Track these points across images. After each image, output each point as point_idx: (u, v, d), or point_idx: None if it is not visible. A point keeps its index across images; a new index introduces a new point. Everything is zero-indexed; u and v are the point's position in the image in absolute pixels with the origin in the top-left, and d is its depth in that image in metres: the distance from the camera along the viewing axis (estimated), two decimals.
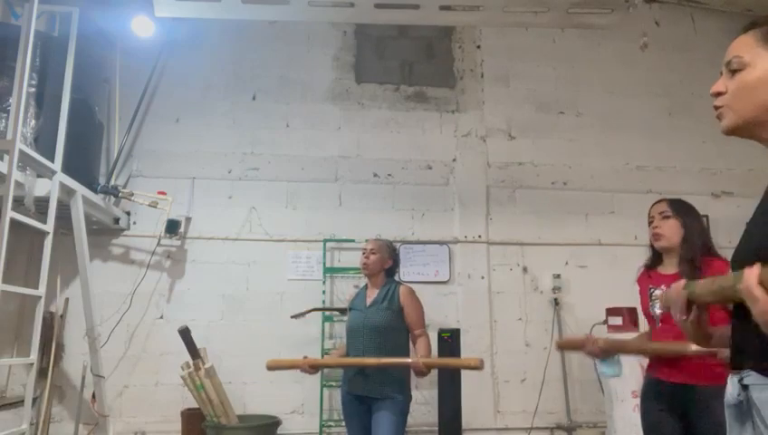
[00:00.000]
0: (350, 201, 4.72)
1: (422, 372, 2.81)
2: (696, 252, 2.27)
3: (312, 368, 3.01)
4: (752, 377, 1.14)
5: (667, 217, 2.35)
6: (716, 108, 1.21)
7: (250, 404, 4.26)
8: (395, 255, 3.24)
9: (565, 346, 3.13)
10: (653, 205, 2.46)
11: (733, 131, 1.20)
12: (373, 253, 3.13)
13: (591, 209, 4.93)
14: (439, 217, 4.78)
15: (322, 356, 4.32)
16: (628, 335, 3.69)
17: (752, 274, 0.99)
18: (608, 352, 2.38)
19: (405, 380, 3.01)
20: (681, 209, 2.37)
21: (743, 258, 1.21)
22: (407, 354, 3.06)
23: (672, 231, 2.33)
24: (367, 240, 3.26)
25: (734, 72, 1.18)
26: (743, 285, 1.00)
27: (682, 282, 1.29)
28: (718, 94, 1.20)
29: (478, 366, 2.74)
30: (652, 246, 2.46)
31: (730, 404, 1.20)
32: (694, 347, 1.94)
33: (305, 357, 3.05)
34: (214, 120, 4.73)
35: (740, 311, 1.21)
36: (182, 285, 4.45)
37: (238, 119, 4.76)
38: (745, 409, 1.14)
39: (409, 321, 3.03)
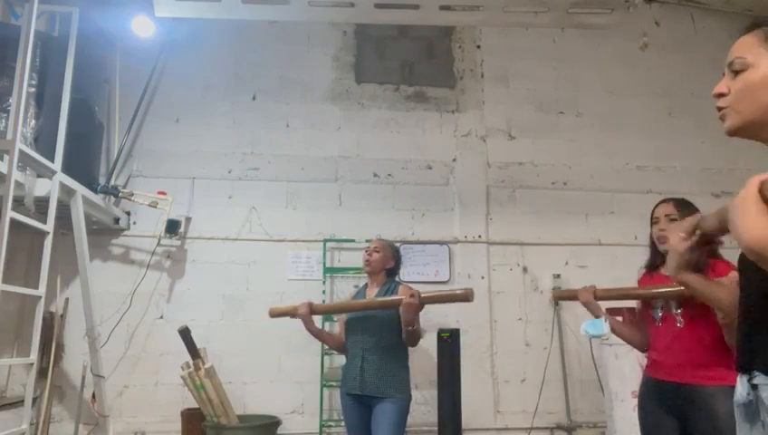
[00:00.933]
0: (350, 201, 4.72)
1: (414, 305, 2.82)
2: (702, 255, 2.26)
3: (312, 311, 3.09)
4: (761, 377, 1.14)
5: (674, 221, 2.34)
6: (719, 109, 1.21)
7: (250, 404, 4.26)
8: (397, 256, 3.27)
9: (560, 297, 3.17)
10: (658, 205, 2.43)
11: (736, 132, 1.20)
12: (377, 251, 3.16)
13: (591, 209, 4.93)
14: (439, 217, 4.78)
15: (322, 356, 4.33)
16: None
17: (753, 181, 1.00)
18: (601, 298, 2.43)
19: (405, 379, 3.02)
20: (687, 212, 2.35)
21: (747, 262, 1.21)
22: (405, 352, 3.08)
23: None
24: (369, 241, 3.28)
25: (736, 72, 1.18)
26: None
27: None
28: (720, 95, 1.20)
29: (468, 296, 2.80)
30: (652, 247, 2.45)
31: (739, 404, 1.20)
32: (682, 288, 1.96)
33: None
34: (214, 120, 4.73)
35: (747, 311, 1.21)
36: (182, 285, 4.45)
37: (238, 119, 4.76)
38: (755, 408, 1.14)
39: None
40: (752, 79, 1.15)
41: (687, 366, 2.17)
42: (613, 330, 2.51)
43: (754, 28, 1.20)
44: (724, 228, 1.26)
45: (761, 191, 0.98)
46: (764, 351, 1.13)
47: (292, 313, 3.14)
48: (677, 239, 1.35)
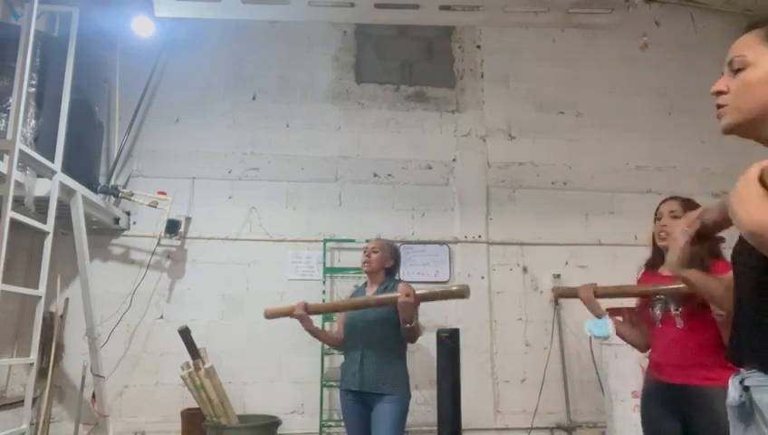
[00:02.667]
0: (350, 201, 4.72)
1: (410, 302, 2.82)
2: (705, 255, 2.26)
3: (308, 312, 3.08)
4: (753, 378, 1.14)
5: (677, 217, 2.34)
6: (718, 106, 1.21)
7: (250, 404, 4.26)
8: (396, 256, 3.27)
9: (561, 294, 3.17)
10: (663, 202, 2.43)
11: (732, 130, 1.19)
12: (374, 251, 3.17)
13: (591, 209, 4.93)
14: (439, 217, 4.78)
15: (322, 356, 4.33)
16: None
17: (754, 168, 1.00)
18: (601, 296, 2.43)
19: (404, 375, 3.03)
20: (691, 211, 2.35)
21: (739, 257, 1.22)
22: (404, 350, 3.09)
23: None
24: (368, 240, 3.28)
25: (736, 71, 1.18)
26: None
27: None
28: (719, 93, 1.20)
29: (464, 293, 2.82)
30: (653, 246, 2.46)
31: (732, 406, 1.20)
32: (683, 285, 1.95)
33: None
34: (214, 120, 4.73)
35: (739, 305, 1.21)
36: (182, 285, 4.45)
37: (238, 119, 4.76)
38: (748, 410, 1.14)
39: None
40: (751, 77, 1.15)
41: (688, 367, 2.17)
42: (620, 334, 2.52)
43: (755, 27, 1.20)
44: (725, 219, 1.26)
45: (761, 178, 0.98)
46: (754, 346, 1.13)
47: (288, 313, 3.14)
48: (679, 232, 1.35)
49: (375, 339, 2.98)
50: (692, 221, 1.33)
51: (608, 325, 2.39)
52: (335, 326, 3.48)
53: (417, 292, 2.87)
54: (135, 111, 4.56)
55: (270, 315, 3.26)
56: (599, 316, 2.46)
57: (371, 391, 2.92)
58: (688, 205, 2.37)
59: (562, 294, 3.11)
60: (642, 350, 2.52)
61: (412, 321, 2.88)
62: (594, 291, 2.51)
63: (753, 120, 1.16)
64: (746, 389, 1.15)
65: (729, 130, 1.20)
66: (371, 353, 2.96)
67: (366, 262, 3.17)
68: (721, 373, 2.03)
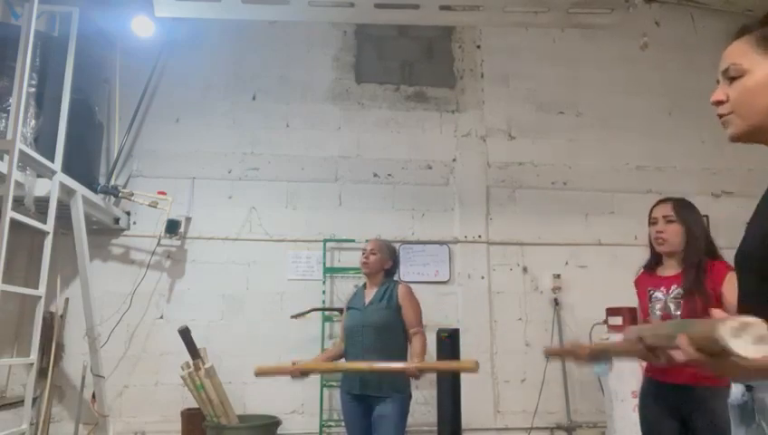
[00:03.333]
0: (350, 201, 4.72)
1: (415, 376, 2.79)
2: (701, 257, 2.25)
3: (303, 374, 2.99)
4: None
5: (671, 222, 2.32)
6: (721, 116, 1.20)
7: (250, 404, 4.26)
8: (395, 256, 3.26)
9: (553, 354, 3.11)
10: (656, 204, 2.41)
11: (740, 138, 1.19)
12: (373, 253, 3.15)
13: (591, 209, 4.93)
14: (439, 217, 4.77)
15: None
16: None
17: (682, 341, 0.99)
18: (595, 358, 2.38)
19: (405, 379, 3.02)
20: (685, 213, 2.33)
21: (740, 261, 1.22)
22: (405, 354, 3.07)
23: (675, 236, 2.31)
24: (367, 240, 3.28)
25: (732, 79, 1.17)
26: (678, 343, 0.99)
27: (635, 329, 1.30)
28: (719, 103, 1.20)
29: (474, 369, 2.71)
30: (651, 247, 2.45)
31: (734, 405, 1.20)
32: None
33: (294, 363, 2.98)
34: (214, 120, 4.72)
35: (742, 310, 1.21)
36: (182, 285, 4.45)
37: (238, 119, 4.76)
38: (750, 409, 1.14)
39: (407, 319, 3.03)
40: (750, 84, 1.15)
41: (686, 367, 2.17)
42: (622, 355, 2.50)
43: (744, 33, 1.19)
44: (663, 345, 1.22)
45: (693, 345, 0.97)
46: None
47: (282, 373, 3.03)
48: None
49: (375, 343, 2.97)
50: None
51: (609, 363, 2.38)
52: (338, 329, 3.45)
53: (424, 366, 2.85)
54: (135, 111, 4.56)
55: (261, 374, 3.08)
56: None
57: (373, 393, 2.92)
58: (682, 206, 2.36)
59: (554, 353, 3.06)
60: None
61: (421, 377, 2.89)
62: (586, 354, 2.43)
63: (759, 126, 1.16)
64: (749, 388, 1.15)
65: (736, 139, 1.19)
66: (372, 356, 2.95)
67: (365, 263, 3.16)
68: None
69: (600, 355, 2.35)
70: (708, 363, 0.95)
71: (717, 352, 0.90)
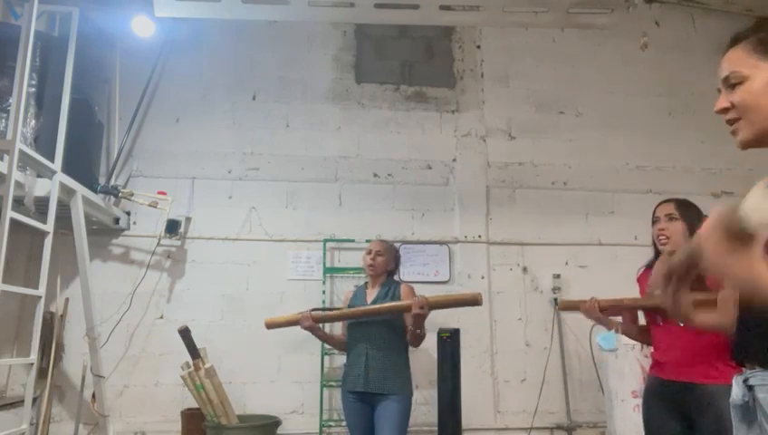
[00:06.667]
0: (350, 201, 4.72)
1: (422, 313, 2.86)
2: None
3: (315, 321, 3.06)
4: (757, 377, 1.14)
5: (674, 220, 2.35)
6: (730, 123, 1.21)
7: (250, 404, 4.26)
8: (397, 257, 3.31)
9: (567, 307, 3.18)
10: (660, 204, 2.45)
11: (750, 144, 1.19)
12: (380, 254, 3.18)
13: (591, 209, 4.93)
14: (439, 217, 4.78)
15: (322, 356, 4.33)
16: None
17: (706, 223, 0.99)
18: (606, 311, 2.43)
19: (408, 376, 3.04)
20: (687, 212, 2.36)
21: None
22: (406, 352, 3.09)
23: (677, 234, 2.33)
24: (369, 241, 3.28)
25: (733, 86, 1.18)
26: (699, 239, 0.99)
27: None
28: (724, 110, 1.20)
29: (477, 299, 2.88)
30: (654, 246, 2.46)
31: (736, 405, 1.21)
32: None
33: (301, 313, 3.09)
34: (214, 120, 4.73)
35: (747, 309, 1.21)
36: (182, 285, 4.45)
37: (238, 119, 4.76)
38: (751, 409, 1.15)
39: (407, 318, 3.05)
40: (753, 89, 1.15)
41: (690, 365, 2.17)
42: (626, 334, 2.52)
43: (739, 41, 1.20)
44: (694, 264, 1.22)
45: (722, 224, 0.96)
46: (758, 346, 1.14)
47: (291, 323, 3.12)
48: (660, 289, 1.30)
49: (379, 340, 2.99)
50: (664, 278, 1.28)
51: (615, 338, 2.40)
52: (339, 328, 3.46)
53: (429, 299, 2.88)
54: (135, 111, 4.56)
55: (271, 326, 3.21)
56: (608, 329, 2.46)
57: (376, 391, 2.93)
58: (684, 206, 2.38)
59: (568, 306, 3.12)
60: (650, 343, 2.52)
61: (421, 328, 2.93)
62: (597, 306, 2.50)
63: (767, 130, 1.16)
64: (750, 388, 1.15)
65: (747, 145, 1.20)
66: (376, 354, 2.97)
67: (371, 266, 3.17)
68: (723, 371, 2.04)
69: (611, 308, 2.40)
70: (729, 263, 0.94)
71: (740, 237, 0.91)
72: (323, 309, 3.60)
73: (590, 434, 4.49)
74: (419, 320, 2.90)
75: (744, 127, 1.18)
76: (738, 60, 1.18)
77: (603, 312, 2.48)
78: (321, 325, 3.18)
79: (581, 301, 2.60)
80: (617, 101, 5.13)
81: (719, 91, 1.22)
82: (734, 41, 1.21)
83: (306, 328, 3.08)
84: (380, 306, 2.99)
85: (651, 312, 2.42)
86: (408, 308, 2.89)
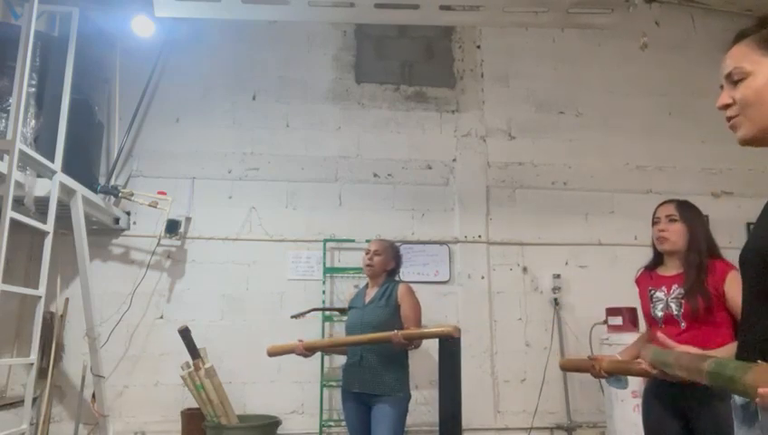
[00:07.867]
0: (350, 201, 4.72)
1: (401, 343, 2.85)
2: (703, 257, 2.27)
3: (308, 350, 3.09)
4: None
5: (674, 221, 2.35)
6: (729, 119, 1.20)
7: (250, 404, 4.26)
8: (398, 257, 3.28)
9: (568, 368, 3.13)
10: (660, 205, 2.45)
11: (750, 141, 1.19)
12: (377, 254, 3.16)
13: (591, 209, 4.93)
14: (439, 217, 4.78)
15: (322, 356, 4.32)
16: (628, 335, 3.70)
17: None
18: (611, 374, 2.37)
19: (404, 377, 3.03)
20: (688, 213, 2.36)
21: (747, 258, 1.22)
22: (404, 352, 3.09)
23: (677, 235, 2.33)
24: (369, 241, 3.28)
25: (736, 82, 1.18)
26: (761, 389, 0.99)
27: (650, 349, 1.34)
28: (726, 106, 1.20)
29: (452, 333, 2.89)
30: (654, 247, 2.46)
31: (737, 405, 1.21)
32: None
33: (300, 341, 3.15)
34: (214, 120, 4.73)
35: (746, 309, 1.21)
36: (182, 285, 4.45)
37: (238, 119, 4.76)
38: (753, 410, 1.15)
39: (404, 317, 3.04)
40: (755, 86, 1.15)
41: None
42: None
43: (743, 37, 1.20)
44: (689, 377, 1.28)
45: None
46: (759, 347, 1.14)
47: (290, 351, 3.15)
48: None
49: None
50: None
51: (626, 379, 2.36)
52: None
53: (405, 334, 2.87)
54: (135, 111, 4.56)
55: (272, 354, 3.22)
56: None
57: (371, 392, 2.93)
58: (685, 208, 2.38)
59: (569, 367, 3.08)
60: None
61: (409, 347, 2.97)
62: (600, 370, 2.39)
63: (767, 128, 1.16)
64: None
65: (746, 142, 1.19)
66: (371, 356, 2.97)
67: (368, 265, 3.17)
68: None
69: (616, 372, 2.34)
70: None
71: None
72: (322, 311, 3.64)
73: (590, 434, 4.49)
74: (400, 346, 2.89)
75: (745, 123, 1.17)
76: (742, 56, 1.18)
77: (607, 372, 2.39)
78: (324, 332, 3.21)
79: (581, 360, 2.53)
80: (617, 101, 5.13)
81: (721, 87, 1.22)
82: (739, 37, 1.21)
83: (301, 355, 3.11)
84: (363, 337, 2.97)
85: (649, 310, 2.42)
86: (388, 339, 2.88)
